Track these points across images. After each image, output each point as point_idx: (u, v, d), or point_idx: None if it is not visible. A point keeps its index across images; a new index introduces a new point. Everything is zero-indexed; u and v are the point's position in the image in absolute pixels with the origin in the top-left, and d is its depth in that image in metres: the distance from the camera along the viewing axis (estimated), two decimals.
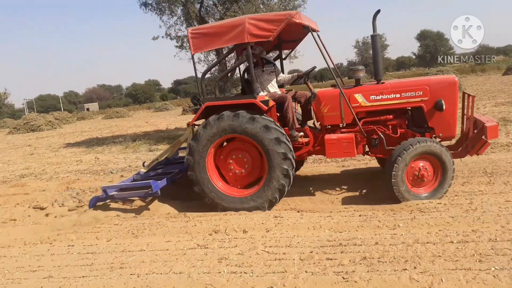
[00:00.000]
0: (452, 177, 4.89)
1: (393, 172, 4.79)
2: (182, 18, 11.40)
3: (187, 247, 4.19)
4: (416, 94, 5.13)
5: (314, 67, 5.98)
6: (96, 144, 14.70)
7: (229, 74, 10.39)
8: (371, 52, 5.33)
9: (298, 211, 4.92)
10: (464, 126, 5.33)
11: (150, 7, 11.72)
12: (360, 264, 3.43)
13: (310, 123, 6.01)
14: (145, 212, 5.58)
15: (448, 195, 5.02)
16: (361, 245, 3.78)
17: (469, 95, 5.21)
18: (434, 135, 5.21)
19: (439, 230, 3.95)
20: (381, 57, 5.45)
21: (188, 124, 5.95)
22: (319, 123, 5.70)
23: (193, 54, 5.29)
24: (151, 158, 10.39)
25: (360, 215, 4.62)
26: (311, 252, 3.74)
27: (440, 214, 4.34)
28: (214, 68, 12.01)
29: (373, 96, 5.22)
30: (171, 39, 11.66)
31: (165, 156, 6.59)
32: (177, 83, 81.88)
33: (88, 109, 60.10)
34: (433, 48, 57.91)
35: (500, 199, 4.66)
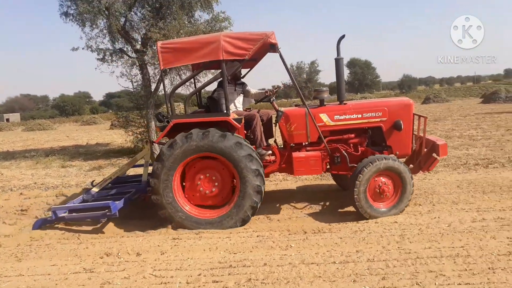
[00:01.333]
0: (412, 192, 5.13)
1: (355, 189, 4.94)
2: (104, 31, 11.04)
3: (72, 271, 3.94)
4: (376, 115, 5.44)
5: (279, 86, 6.05)
6: (3, 158, 13.51)
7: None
8: (335, 74, 5.51)
9: (197, 233, 4.86)
10: (415, 145, 5.67)
11: (71, 17, 11.21)
12: (244, 286, 3.45)
13: (270, 141, 6.01)
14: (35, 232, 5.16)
15: (341, 216, 5.31)
16: (250, 266, 3.82)
17: (420, 116, 5.54)
18: (391, 153, 5.48)
19: (327, 251, 4.11)
20: (344, 80, 5.64)
21: (147, 142, 5.70)
22: (283, 141, 5.80)
23: (162, 69, 5.10)
24: (62, 175, 9.81)
25: (257, 236, 4.68)
26: (199, 275, 3.70)
27: (330, 235, 4.53)
28: (136, 83, 11.83)
29: (337, 116, 5.44)
30: (92, 51, 11.19)
31: (118, 175, 6.19)
32: (110, 96, 78.64)
33: (8, 120, 55.53)
34: (361, 75, 61.82)
35: (388, 220, 4.96)
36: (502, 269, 3.46)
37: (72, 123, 44.98)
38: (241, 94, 5.96)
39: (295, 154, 5.39)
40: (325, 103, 5.65)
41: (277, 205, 6.02)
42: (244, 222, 5.03)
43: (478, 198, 5.66)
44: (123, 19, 11.15)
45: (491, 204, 5.37)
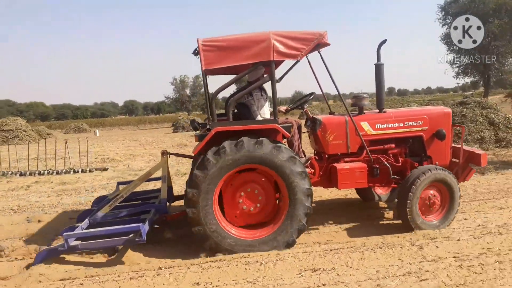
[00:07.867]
0: (459, 203, 5.06)
1: (408, 201, 4.78)
2: None
3: None
4: (417, 124, 5.29)
5: (312, 93, 5.70)
6: None
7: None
8: (375, 81, 5.29)
9: None
10: (451, 155, 5.58)
11: None
12: None
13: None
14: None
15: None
16: None
17: (457, 126, 5.66)
18: (430, 164, 5.33)
19: None
20: (384, 87, 5.38)
21: (162, 154, 5.35)
22: (317, 152, 5.57)
23: (204, 70, 4.49)
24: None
25: None
26: None
27: None
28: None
29: (378, 125, 5.21)
30: None
31: (130, 192, 5.32)
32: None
33: None
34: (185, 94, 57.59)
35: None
36: None
37: None
38: (267, 100, 5.39)
39: (339, 166, 5.03)
40: (364, 111, 5.43)
41: None
42: (288, 246, 4.57)
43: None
44: None
45: None
